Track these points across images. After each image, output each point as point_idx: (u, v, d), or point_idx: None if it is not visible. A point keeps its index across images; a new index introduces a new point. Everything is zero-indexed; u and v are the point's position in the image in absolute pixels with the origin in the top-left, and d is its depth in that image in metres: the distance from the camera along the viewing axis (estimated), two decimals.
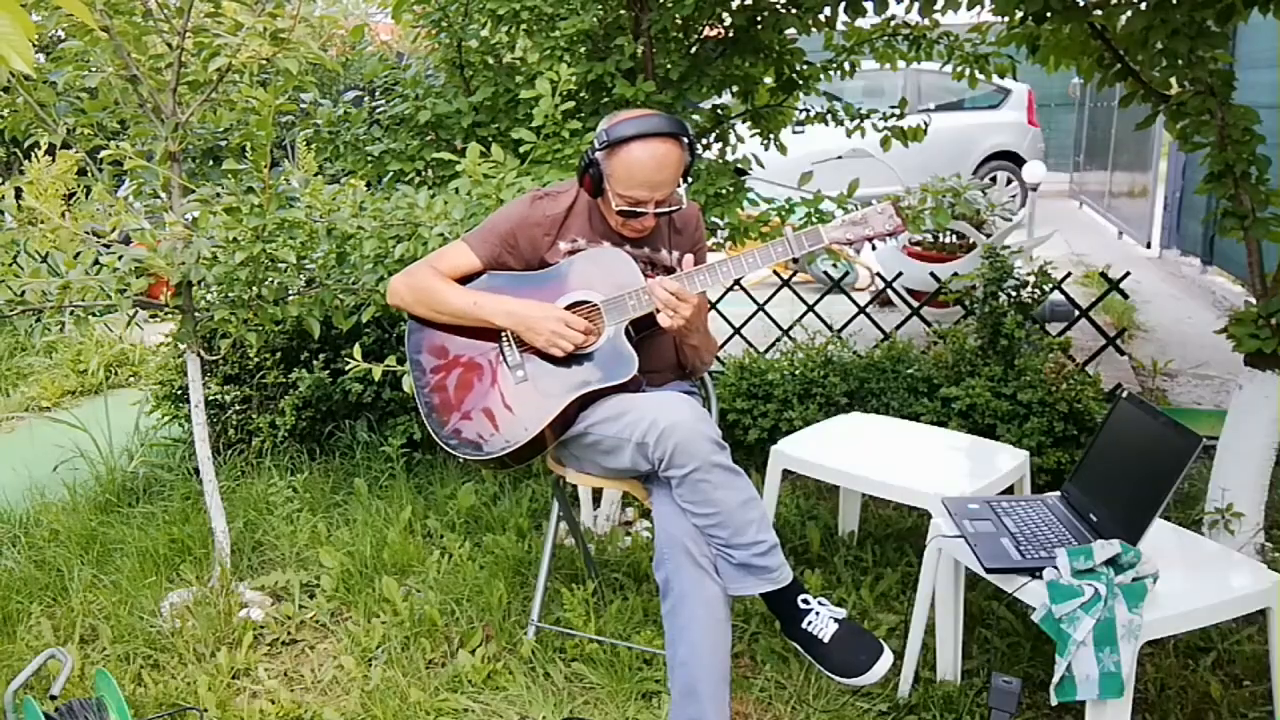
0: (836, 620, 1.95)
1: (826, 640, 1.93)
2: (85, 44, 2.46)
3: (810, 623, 1.96)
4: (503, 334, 2.18)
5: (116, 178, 2.77)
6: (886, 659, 1.92)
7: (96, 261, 2.59)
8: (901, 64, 3.67)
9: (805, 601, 1.97)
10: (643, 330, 2.18)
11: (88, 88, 2.50)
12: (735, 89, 3.67)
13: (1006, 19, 2.78)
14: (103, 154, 2.55)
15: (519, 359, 2.15)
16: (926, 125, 3.78)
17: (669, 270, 2.25)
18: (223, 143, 2.89)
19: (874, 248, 5.40)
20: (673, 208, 2.16)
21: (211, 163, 3.05)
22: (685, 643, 1.92)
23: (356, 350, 2.61)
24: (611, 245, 2.22)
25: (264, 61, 2.40)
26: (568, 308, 2.15)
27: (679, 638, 1.92)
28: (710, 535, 1.94)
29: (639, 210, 2.12)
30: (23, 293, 2.44)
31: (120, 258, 2.49)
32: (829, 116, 3.76)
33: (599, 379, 2.10)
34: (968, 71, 3.54)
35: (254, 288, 2.69)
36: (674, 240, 2.30)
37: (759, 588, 1.95)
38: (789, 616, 1.98)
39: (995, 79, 3.57)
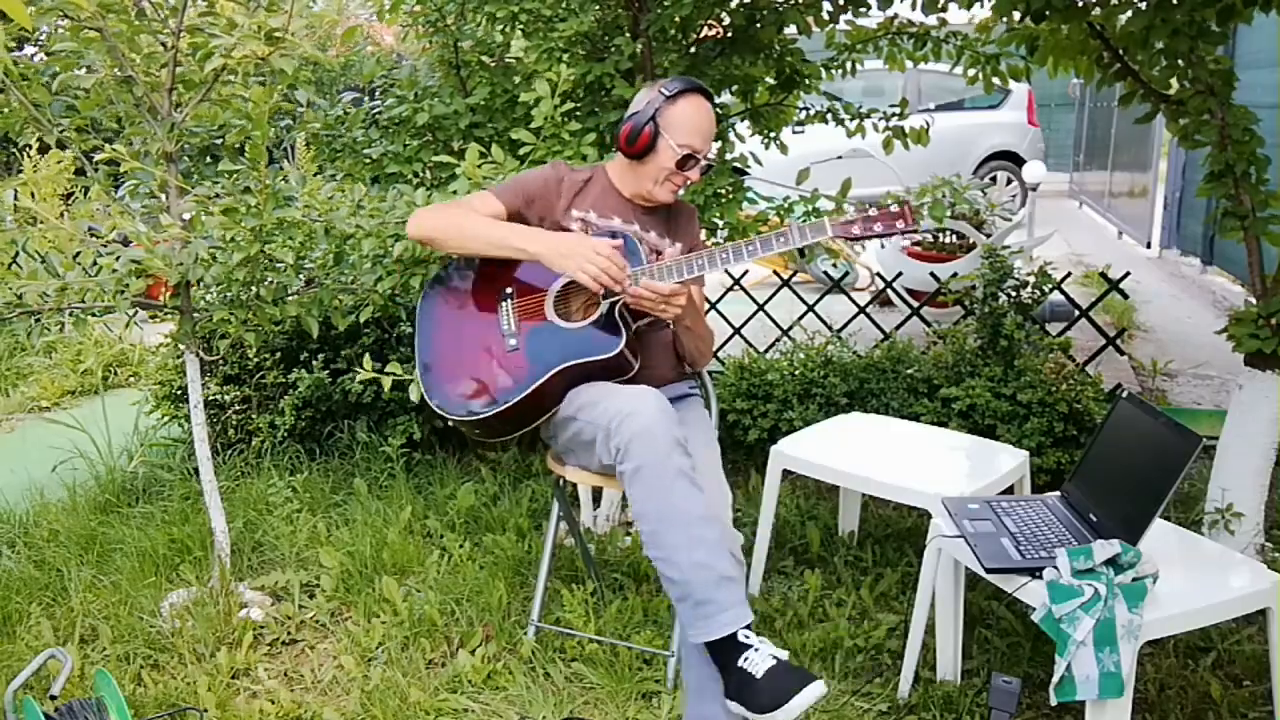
0: (775, 658, 1.74)
1: (759, 676, 1.72)
2: (79, 44, 2.45)
3: (747, 658, 1.75)
4: (502, 303, 2.21)
5: (113, 179, 2.76)
6: (817, 689, 1.69)
7: (95, 262, 2.58)
8: (906, 64, 3.64)
9: (747, 637, 1.78)
10: (640, 320, 2.19)
11: (84, 88, 2.49)
12: (735, 88, 3.67)
13: (1001, 20, 2.77)
14: (98, 156, 2.54)
15: (514, 328, 2.18)
16: (929, 126, 3.77)
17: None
18: (218, 141, 2.88)
19: (882, 245, 5.37)
20: (709, 168, 2.28)
21: (209, 160, 3.04)
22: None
23: (367, 361, 2.60)
24: (621, 223, 2.27)
25: (260, 61, 2.39)
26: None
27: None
28: (652, 549, 1.84)
29: (696, 157, 2.21)
30: (21, 295, 2.44)
31: (118, 259, 2.49)
32: (829, 116, 3.75)
33: (584, 352, 2.11)
34: (980, 75, 3.50)
35: (252, 288, 2.69)
36: (675, 235, 2.36)
37: (705, 631, 1.77)
38: (725, 649, 1.78)
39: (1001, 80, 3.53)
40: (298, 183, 2.67)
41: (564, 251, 2.09)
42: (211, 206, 2.50)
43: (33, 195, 6.31)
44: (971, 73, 3.50)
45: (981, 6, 3.12)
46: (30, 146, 6.11)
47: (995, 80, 3.48)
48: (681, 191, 2.31)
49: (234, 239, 2.52)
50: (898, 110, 3.69)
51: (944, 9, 3.11)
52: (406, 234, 2.27)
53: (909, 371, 3.27)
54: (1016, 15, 2.58)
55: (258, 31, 2.33)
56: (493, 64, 3.51)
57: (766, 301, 4.18)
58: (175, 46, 2.43)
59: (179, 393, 3.54)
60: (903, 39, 3.54)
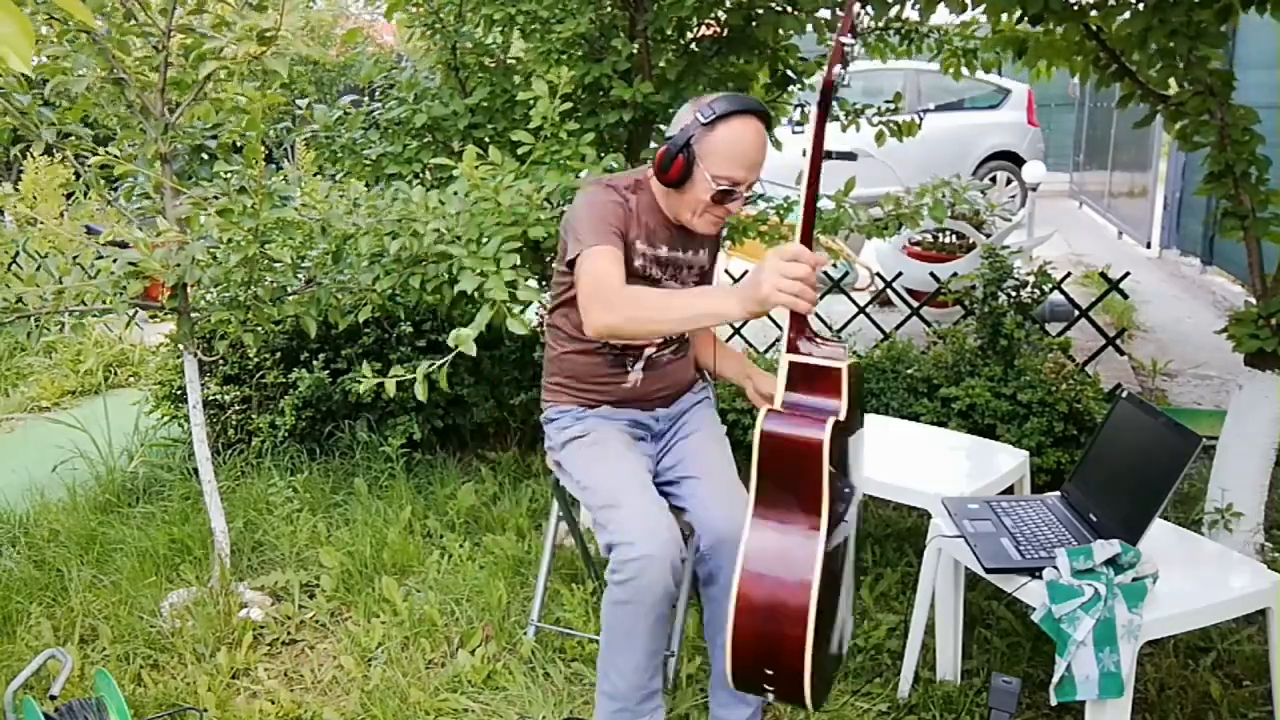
0: None
1: None
2: (73, 48, 2.44)
3: None
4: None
5: (109, 180, 2.76)
6: None
7: (93, 263, 2.58)
8: (901, 63, 3.68)
9: None
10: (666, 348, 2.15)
11: (72, 92, 2.48)
12: (731, 86, 3.67)
13: (991, 21, 2.77)
14: (91, 160, 2.54)
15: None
16: (921, 120, 3.78)
17: (703, 269, 2.17)
18: (211, 140, 2.87)
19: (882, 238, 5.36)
20: (750, 195, 2.03)
21: (203, 158, 3.03)
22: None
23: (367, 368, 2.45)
24: (667, 250, 2.09)
25: (253, 60, 2.37)
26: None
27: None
28: (605, 649, 1.91)
29: (735, 191, 1.94)
30: (20, 298, 2.44)
31: (115, 261, 2.49)
32: None
33: None
34: (956, 64, 3.54)
35: (251, 288, 2.68)
36: (702, 238, 2.18)
37: None
38: None
39: (994, 78, 3.56)
40: (294, 182, 2.67)
41: (762, 293, 1.63)
42: (208, 207, 2.50)
43: (34, 198, 6.32)
44: (948, 62, 3.55)
45: (978, 10, 3.11)
46: (32, 147, 6.12)
47: (965, 71, 3.53)
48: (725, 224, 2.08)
49: (232, 239, 2.51)
50: (891, 105, 3.73)
51: (933, 10, 3.12)
52: (595, 336, 1.92)
53: (909, 371, 3.27)
54: (1014, 17, 2.58)
55: (249, 31, 2.32)
56: (492, 65, 3.51)
57: None
58: (166, 47, 2.43)
59: (179, 393, 3.54)
60: (889, 34, 3.59)
